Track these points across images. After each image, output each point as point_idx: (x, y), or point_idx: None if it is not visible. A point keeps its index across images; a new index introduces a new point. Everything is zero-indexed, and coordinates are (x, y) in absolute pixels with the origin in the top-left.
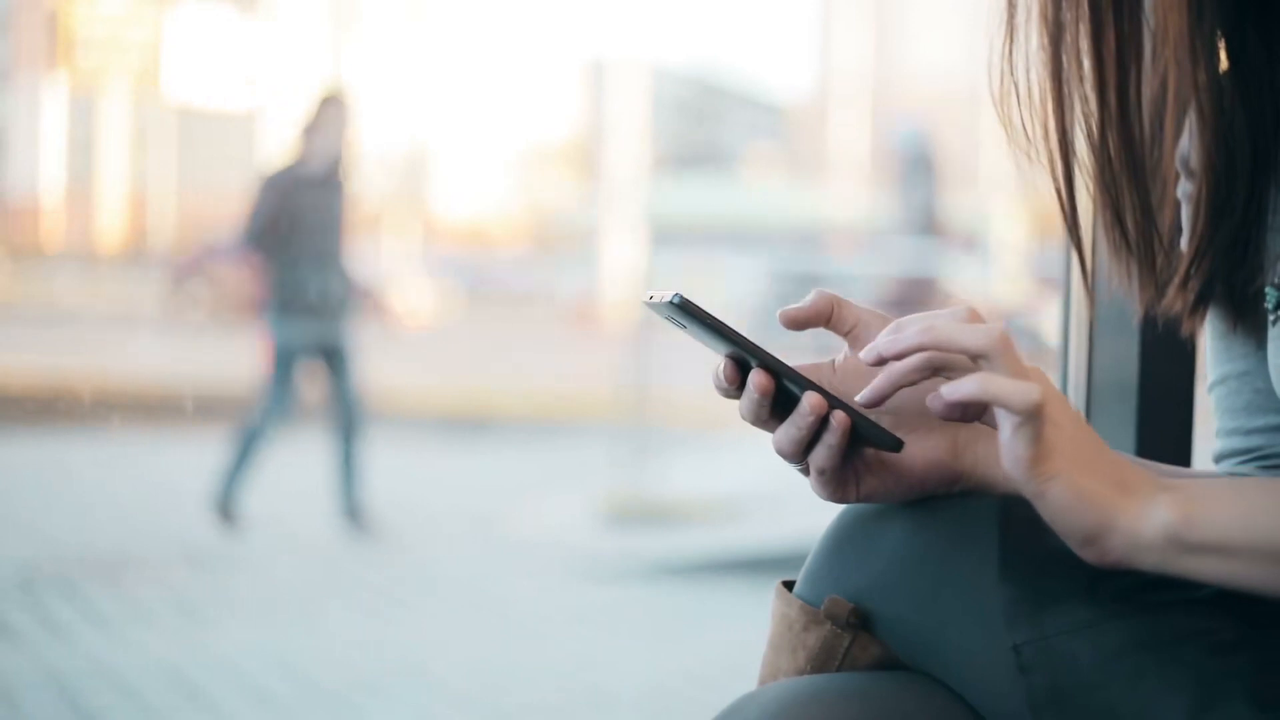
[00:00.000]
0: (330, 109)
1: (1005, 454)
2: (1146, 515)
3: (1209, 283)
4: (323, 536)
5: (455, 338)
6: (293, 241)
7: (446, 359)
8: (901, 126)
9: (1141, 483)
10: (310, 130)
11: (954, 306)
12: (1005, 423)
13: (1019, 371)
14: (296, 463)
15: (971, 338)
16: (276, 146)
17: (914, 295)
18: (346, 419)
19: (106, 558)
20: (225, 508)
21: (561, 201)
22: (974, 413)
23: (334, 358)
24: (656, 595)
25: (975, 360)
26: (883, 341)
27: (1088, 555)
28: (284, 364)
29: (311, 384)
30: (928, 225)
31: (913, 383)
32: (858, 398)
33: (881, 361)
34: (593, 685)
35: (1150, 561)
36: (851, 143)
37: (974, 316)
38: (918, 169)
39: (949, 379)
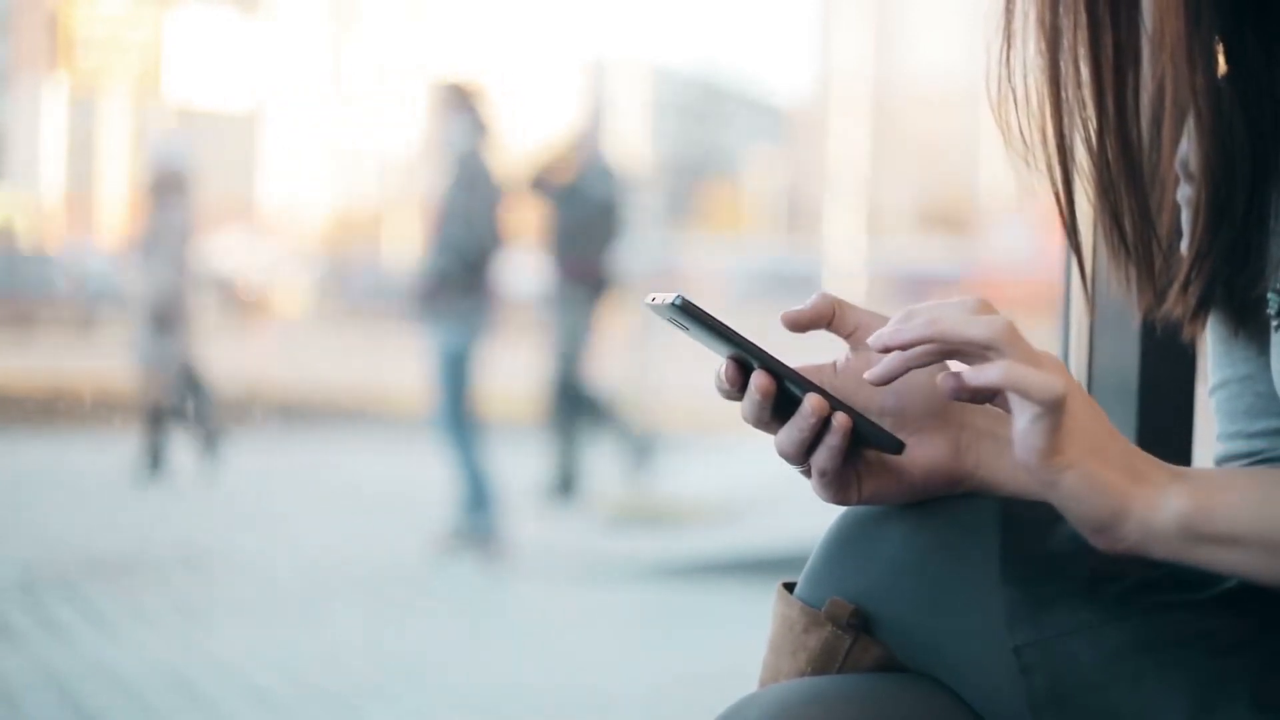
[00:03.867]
0: (454, 98)
1: (1019, 443)
2: (1160, 504)
3: (1209, 287)
4: (335, 542)
5: None
6: (435, 235)
7: None
8: None
9: (1155, 471)
10: (438, 120)
11: (962, 297)
12: (1023, 412)
13: (1032, 360)
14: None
15: (979, 329)
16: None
17: None
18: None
19: (108, 559)
20: (476, 537)
21: None
22: (985, 395)
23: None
24: (656, 597)
25: (984, 351)
26: (889, 331)
27: (1100, 543)
28: (443, 369)
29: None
30: None
31: (924, 364)
32: (866, 374)
33: (887, 350)
34: (592, 687)
35: (1162, 551)
36: (852, 143)
37: (983, 307)
38: None
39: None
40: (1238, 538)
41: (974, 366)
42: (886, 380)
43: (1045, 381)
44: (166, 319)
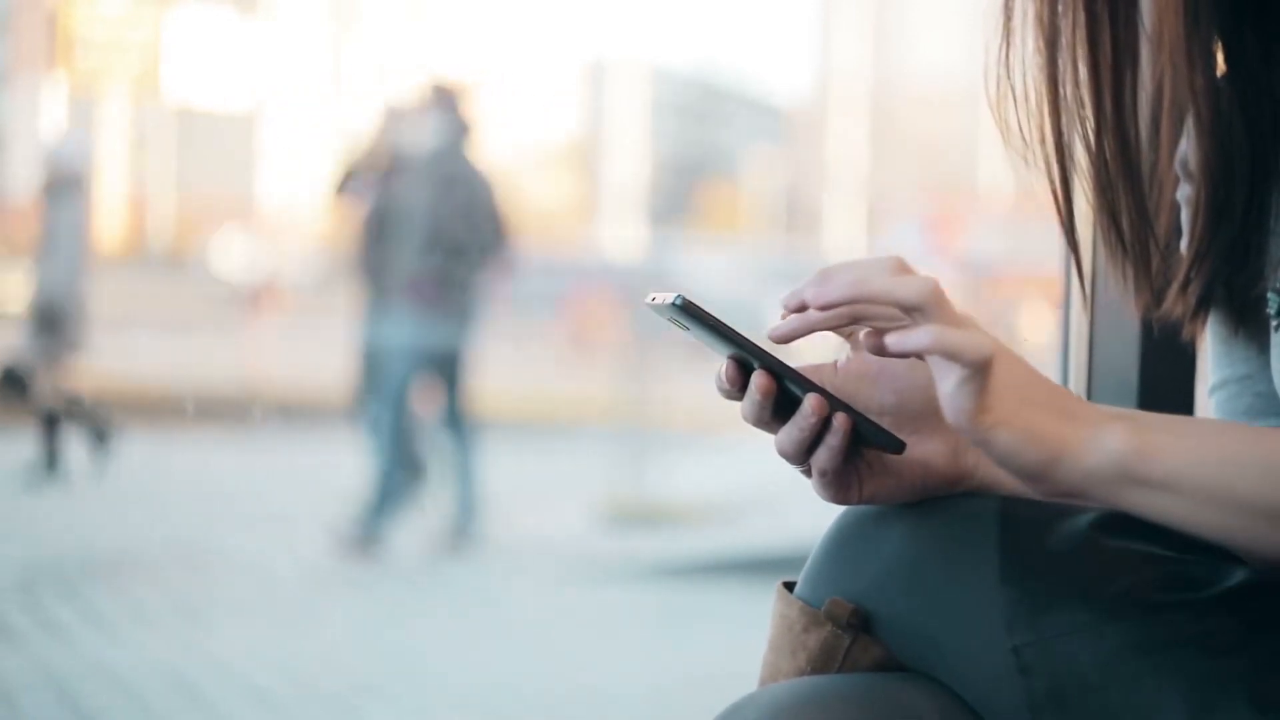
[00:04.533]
0: (436, 97)
1: (947, 405)
2: (1096, 443)
3: (1209, 287)
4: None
5: None
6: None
7: None
8: None
9: (1090, 411)
10: (403, 118)
11: (881, 257)
12: (949, 375)
13: (957, 322)
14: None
15: (905, 290)
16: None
17: None
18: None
19: (108, 558)
20: (364, 539)
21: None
22: (903, 357)
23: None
24: (656, 597)
25: (909, 313)
26: (809, 291)
27: (1039, 490)
28: (398, 365)
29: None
30: None
31: (831, 328)
32: (768, 333)
33: (804, 308)
34: (591, 687)
35: (1100, 493)
36: (852, 143)
37: (902, 267)
38: None
39: (873, 326)
40: (1175, 485)
41: (900, 330)
42: (790, 339)
43: (974, 343)
44: (58, 319)
